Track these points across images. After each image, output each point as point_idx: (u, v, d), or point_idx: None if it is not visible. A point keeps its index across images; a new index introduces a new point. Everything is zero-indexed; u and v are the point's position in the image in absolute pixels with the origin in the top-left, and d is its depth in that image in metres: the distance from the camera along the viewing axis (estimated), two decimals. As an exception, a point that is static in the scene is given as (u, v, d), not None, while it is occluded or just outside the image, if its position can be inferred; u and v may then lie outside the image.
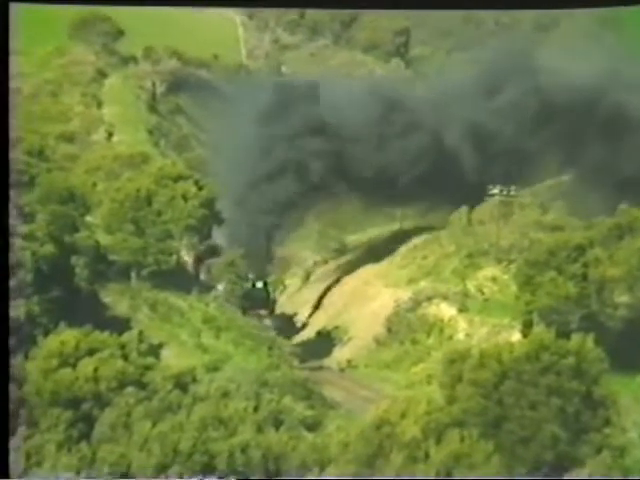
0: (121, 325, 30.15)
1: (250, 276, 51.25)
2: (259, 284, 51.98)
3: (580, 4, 34.57)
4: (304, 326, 57.68)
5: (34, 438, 20.84)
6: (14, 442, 20.76)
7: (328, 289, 61.01)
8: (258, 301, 50.03)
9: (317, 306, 59.89)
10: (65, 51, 69.35)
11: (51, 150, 47.40)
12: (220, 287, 45.23)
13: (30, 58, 63.31)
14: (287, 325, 54.59)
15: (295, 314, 59.10)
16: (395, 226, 66.34)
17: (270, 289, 53.77)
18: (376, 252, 61.36)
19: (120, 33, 70.71)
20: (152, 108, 67.75)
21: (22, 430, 20.94)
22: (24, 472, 20.33)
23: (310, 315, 59.16)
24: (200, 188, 43.24)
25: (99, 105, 63.38)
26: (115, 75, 68.97)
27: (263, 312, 49.64)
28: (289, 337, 49.56)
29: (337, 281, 61.37)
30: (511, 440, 19.84)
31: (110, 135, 59.74)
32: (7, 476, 20.26)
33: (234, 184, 54.78)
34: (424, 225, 62.82)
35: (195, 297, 40.81)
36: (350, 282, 60.47)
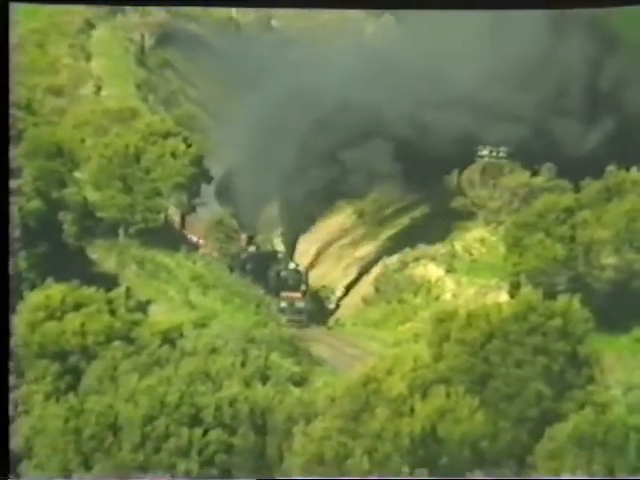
0: (108, 282, 30.10)
1: (280, 256, 50.45)
2: (292, 265, 50.26)
3: (579, 4, 34.12)
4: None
5: (21, 388, 20.97)
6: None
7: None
8: (292, 283, 48.14)
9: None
10: (52, -3, 67.95)
11: (39, 104, 46.63)
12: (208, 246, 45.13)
13: (16, 4, 61.92)
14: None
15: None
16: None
17: (302, 270, 51.50)
18: None
19: (108, -18, 69.34)
20: (141, 62, 66.74)
21: (10, 379, 21.03)
22: (12, 419, 20.47)
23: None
24: (189, 145, 42.91)
25: (87, 58, 62.40)
26: (103, 26, 67.72)
27: (296, 295, 47.88)
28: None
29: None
30: (496, 397, 20.04)
31: (99, 89, 58.90)
32: (7, 471, 20.32)
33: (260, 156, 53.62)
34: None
35: (183, 255, 40.77)
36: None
